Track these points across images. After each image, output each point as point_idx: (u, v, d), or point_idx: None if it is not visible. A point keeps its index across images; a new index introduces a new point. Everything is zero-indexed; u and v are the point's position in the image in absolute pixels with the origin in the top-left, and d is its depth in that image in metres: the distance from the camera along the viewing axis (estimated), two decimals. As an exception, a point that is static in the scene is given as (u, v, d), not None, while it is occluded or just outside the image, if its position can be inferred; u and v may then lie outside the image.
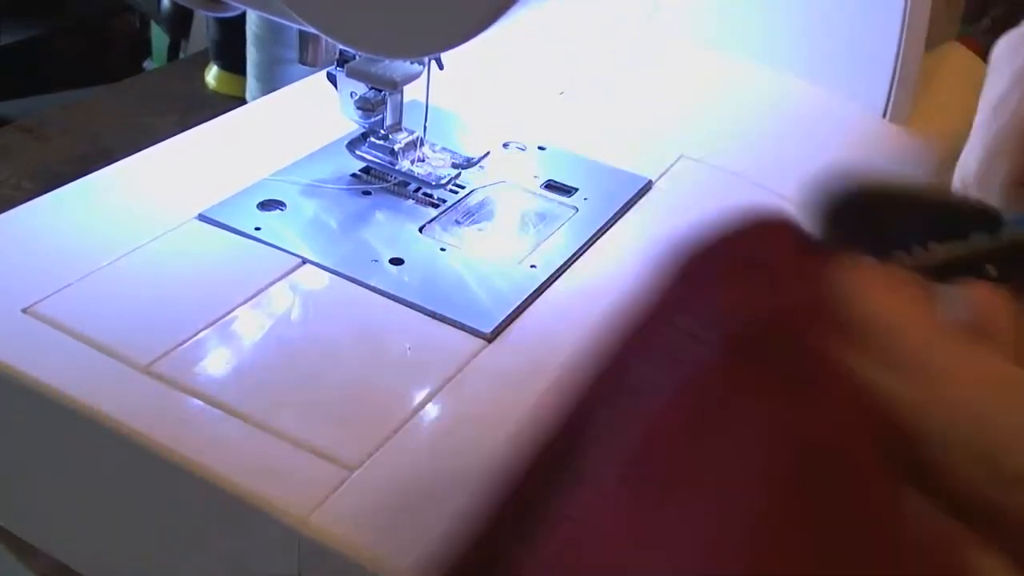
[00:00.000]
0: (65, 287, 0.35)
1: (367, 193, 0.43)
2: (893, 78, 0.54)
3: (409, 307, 0.37)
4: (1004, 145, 0.35)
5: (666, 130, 0.51)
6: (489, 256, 0.40)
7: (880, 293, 0.17)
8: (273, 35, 0.66)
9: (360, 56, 0.40)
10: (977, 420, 0.16)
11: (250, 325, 0.35)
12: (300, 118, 0.49)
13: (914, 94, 0.55)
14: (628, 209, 0.44)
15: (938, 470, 0.16)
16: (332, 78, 0.42)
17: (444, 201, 0.43)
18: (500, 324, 0.36)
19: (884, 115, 0.55)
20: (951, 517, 0.16)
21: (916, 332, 0.17)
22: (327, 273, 0.38)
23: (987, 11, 0.80)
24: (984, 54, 0.39)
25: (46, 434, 0.33)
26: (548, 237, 0.41)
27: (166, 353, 0.33)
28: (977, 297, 0.18)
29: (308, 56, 0.39)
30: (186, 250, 0.38)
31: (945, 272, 0.22)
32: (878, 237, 0.21)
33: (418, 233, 0.41)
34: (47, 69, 1.18)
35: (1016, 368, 0.16)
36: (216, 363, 0.33)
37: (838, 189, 0.21)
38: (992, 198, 0.37)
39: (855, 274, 0.17)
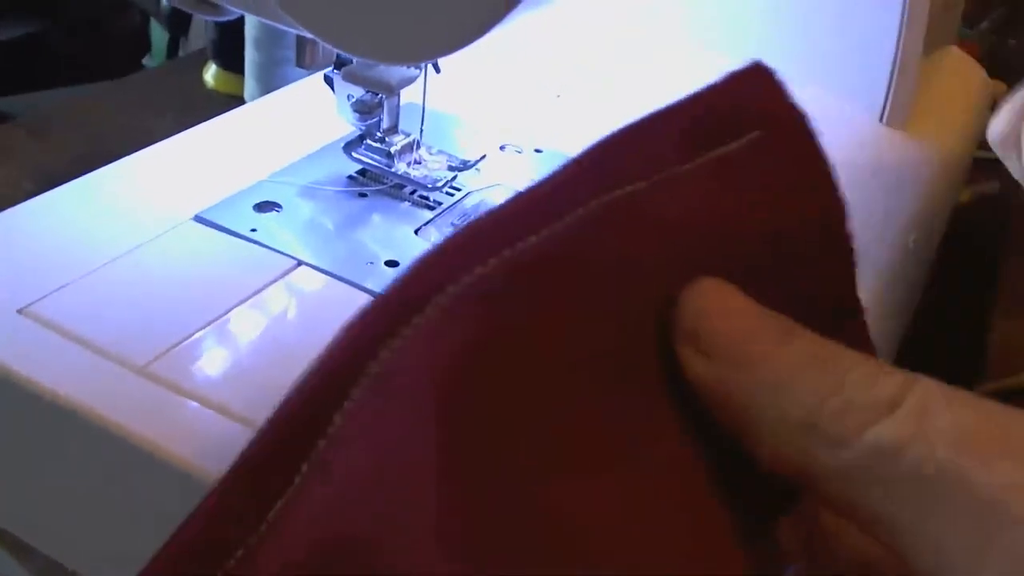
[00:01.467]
0: (61, 288, 0.35)
1: (363, 195, 0.43)
2: (891, 82, 0.54)
3: (404, 310, 0.37)
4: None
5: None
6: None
7: (717, 307, 0.19)
8: (271, 37, 0.66)
9: (357, 60, 0.40)
10: (782, 390, 0.18)
11: (246, 326, 0.35)
12: (297, 120, 0.49)
13: (912, 98, 0.55)
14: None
15: (759, 445, 0.18)
16: (329, 80, 0.42)
17: (440, 204, 0.43)
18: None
19: (881, 119, 0.55)
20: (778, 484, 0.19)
21: (737, 329, 0.19)
22: (323, 275, 0.38)
23: (987, 13, 0.80)
24: (983, 57, 0.40)
25: (41, 434, 0.33)
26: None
27: (162, 354, 0.33)
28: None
29: (305, 59, 0.40)
30: (182, 251, 0.38)
31: None
32: None
33: (414, 235, 0.41)
34: (46, 66, 1.18)
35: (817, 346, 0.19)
36: (212, 364, 0.33)
37: None
38: (1012, 161, 0.38)
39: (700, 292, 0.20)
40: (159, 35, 1.20)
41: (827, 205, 0.21)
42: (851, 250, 0.21)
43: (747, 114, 0.20)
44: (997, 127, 0.38)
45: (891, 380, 0.18)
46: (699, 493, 0.19)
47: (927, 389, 0.17)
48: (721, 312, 0.19)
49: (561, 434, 0.17)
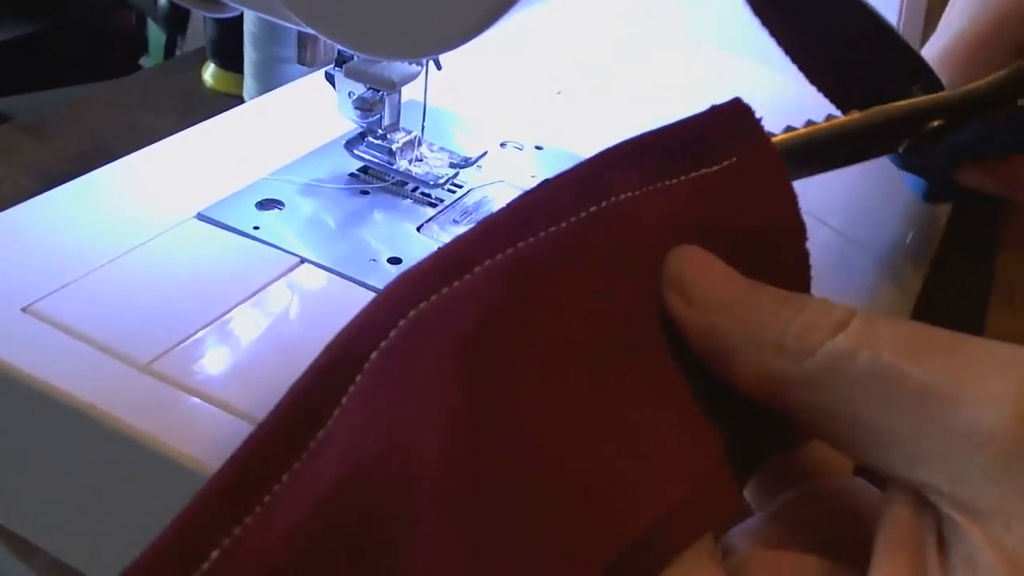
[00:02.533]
0: (64, 286, 0.35)
1: (365, 192, 0.43)
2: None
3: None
4: (943, 63, 0.37)
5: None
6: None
7: (698, 261, 0.23)
8: (271, 34, 0.66)
9: (358, 56, 0.40)
10: (753, 322, 0.22)
11: (249, 324, 0.35)
12: (298, 117, 0.49)
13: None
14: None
15: (736, 369, 0.22)
16: (330, 78, 0.42)
17: (442, 201, 0.43)
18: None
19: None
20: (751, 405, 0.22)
21: (715, 278, 0.23)
22: (325, 272, 0.38)
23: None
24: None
25: (45, 432, 0.33)
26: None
27: (166, 352, 0.33)
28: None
29: (306, 56, 0.40)
30: (185, 249, 0.38)
31: (891, 125, 0.24)
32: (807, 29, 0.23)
33: (416, 232, 0.41)
34: (44, 66, 1.18)
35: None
36: (215, 361, 0.33)
37: None
38: None
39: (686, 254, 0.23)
40: (156, 35, 1.20)
41: (789, 227, 0.24)
42: (807, 268, 0.25)
43: (725, 143, 0.24)
44: None
45: (842, 307, 0.21)
46: (687, 423, 0.22)
47: (871, 312, 0.21)
48: (701, 265, 0.23)
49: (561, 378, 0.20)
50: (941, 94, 0.28)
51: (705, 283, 0.23)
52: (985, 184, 0.38)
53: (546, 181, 0.22)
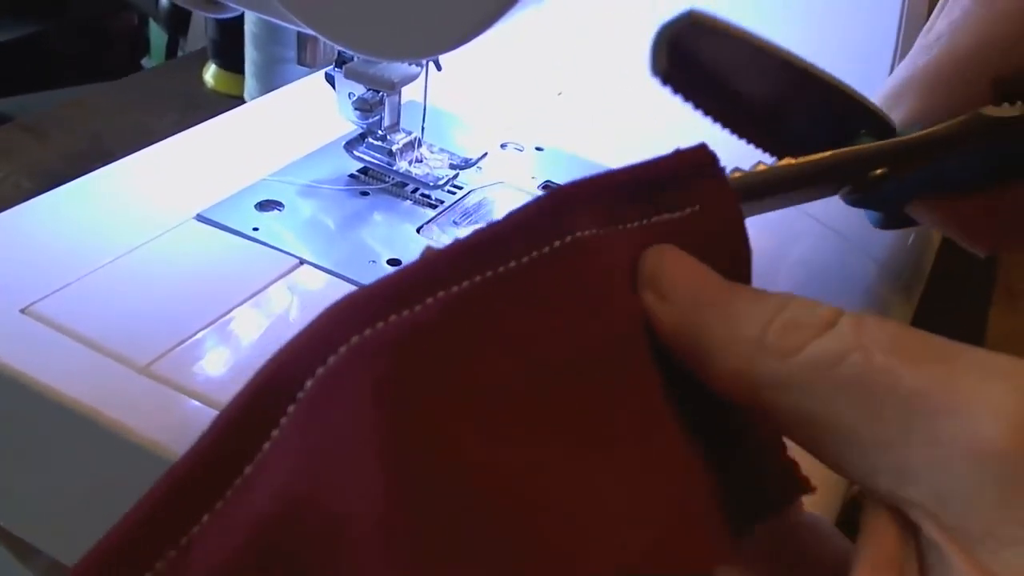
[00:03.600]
0: (63, 287, 0.35)
1: (365, 194, 0.43)
2: (890, 79, 0.54)
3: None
4: (911, 83, 0.37)
5: (664, 130, 0.51)
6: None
7: (673, 259, 0.22)
8: (271, 35, 0.66)
9: (358, 57, 0.40)
10: (733, 318, 0.21)
11: (248, 325, 0.35)
12: (298, 118, 0.49)
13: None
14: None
15: (713, 367, 0.21)
16: (330, 79, 0.42)
17: (442, 202, 0.43)
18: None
19: (881, 116, 0.55)
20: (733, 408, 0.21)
21: (691, 274, 0.22)
22: (325, 274, 0.38)
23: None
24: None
25: (44, 434, 0.33)
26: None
27: (165, 353, 0.33)
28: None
29: (306, 56, 0.40)
30: (184, 250, 0.38)
31: (831, 173, 0.24)
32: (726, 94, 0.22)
33: (416, 234, 0.41)
34: (45, 66, 1.18)
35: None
36: (215, 363, 0.33)
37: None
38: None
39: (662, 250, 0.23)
40: (157, 36, 1.20)
41: (743, 278, 0.24)
42: None
43: (687, 190, 0.24)
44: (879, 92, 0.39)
45: (827, 306, 0.20)
46: (654, 462, 0.21)
47: (859, 313, 0.20)
48: (676, 261, 0.22)
49: (500, 409, 0.19)
50: (888, 141, 0.27)
51: (681, 278, 0.22)
52: (932, 221, 0.37)
53: (507, 215, 0.21)
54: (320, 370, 0.19)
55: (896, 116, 0.36)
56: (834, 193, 0.28)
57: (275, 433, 0.19)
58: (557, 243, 0.21)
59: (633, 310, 0.22)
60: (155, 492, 0.20)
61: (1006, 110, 0.30)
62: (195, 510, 0.19)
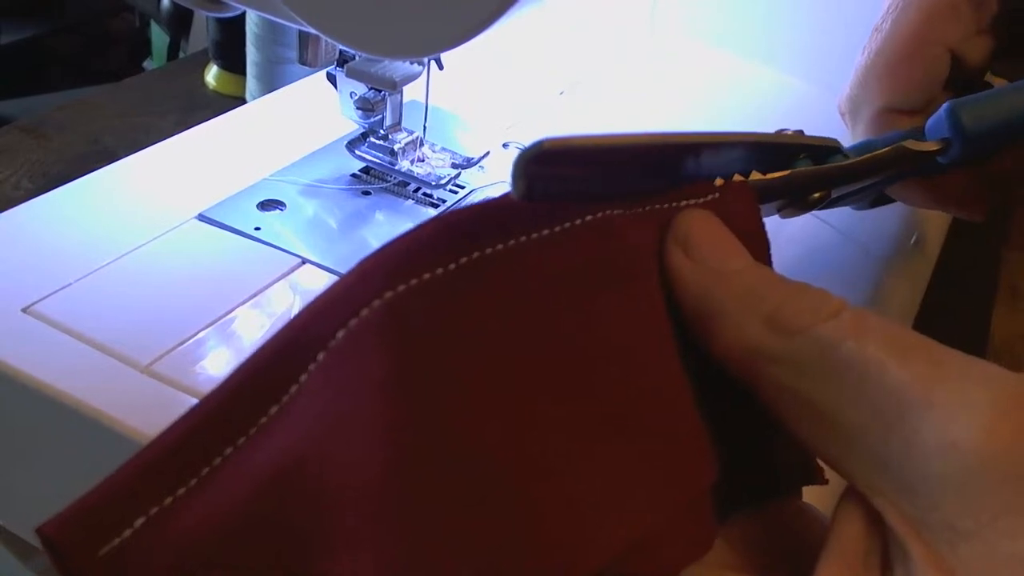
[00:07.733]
0: (64, 287, 0.35)
1: (367, 193, 0.43)
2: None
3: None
4: (873, 70, 0.37)
5: (665, 129, 0.51)
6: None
7: (708, 224, 0.23)
8: (273, 35, 0.66)
9: (360, 56, 0.40)
10: (752, 292, 0.22)
11: (250, 325, 0.35)
12: (300, 118, 0.49)
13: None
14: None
15: (720, 334, 0.22)
16: (332, 78, 0.42)
17: (444, 201, 0.43)
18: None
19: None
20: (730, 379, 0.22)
21: (722, 241, 0.23)
22: (327, 273, 0.38)
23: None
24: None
25: (45, 433, 0.33)
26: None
27: (166, 353, 0.33)
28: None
29: (308, 56, 0.39)
30: (186, 250, 0.38)
31: (767, 197, 0.25)
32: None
33: (418, 233, 0.41)
34: (47, 69, 1.18)
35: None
36: (216, 363, 0.33)
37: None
38: (862, 124, 0.39)
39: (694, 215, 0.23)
40: (159, 38, 1.20)
41: (762, 256, 0.25)
42: None
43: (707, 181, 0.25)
44: (842, 93, 0.40)
45: (839, 299, 0.21)
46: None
47: (863, 309, 0.21)
48: (711, 228, 0.23)
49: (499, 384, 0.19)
50: (823, 167, 0.28)
51: (711, 243, 0.23)
52: (922, 201, 0.39)
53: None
54: (352, 321, 0.19)
55: (867, 106, 0.37)
56: (771, 213, 0.29)
57: (294, 388, 0.19)
58: (589, 217, 0.21)
59: (655, 290, 0.22)
60: (175, 429, 0.20)
61: (927, 145, 0.33)
62: (215, 447, 0.20)
